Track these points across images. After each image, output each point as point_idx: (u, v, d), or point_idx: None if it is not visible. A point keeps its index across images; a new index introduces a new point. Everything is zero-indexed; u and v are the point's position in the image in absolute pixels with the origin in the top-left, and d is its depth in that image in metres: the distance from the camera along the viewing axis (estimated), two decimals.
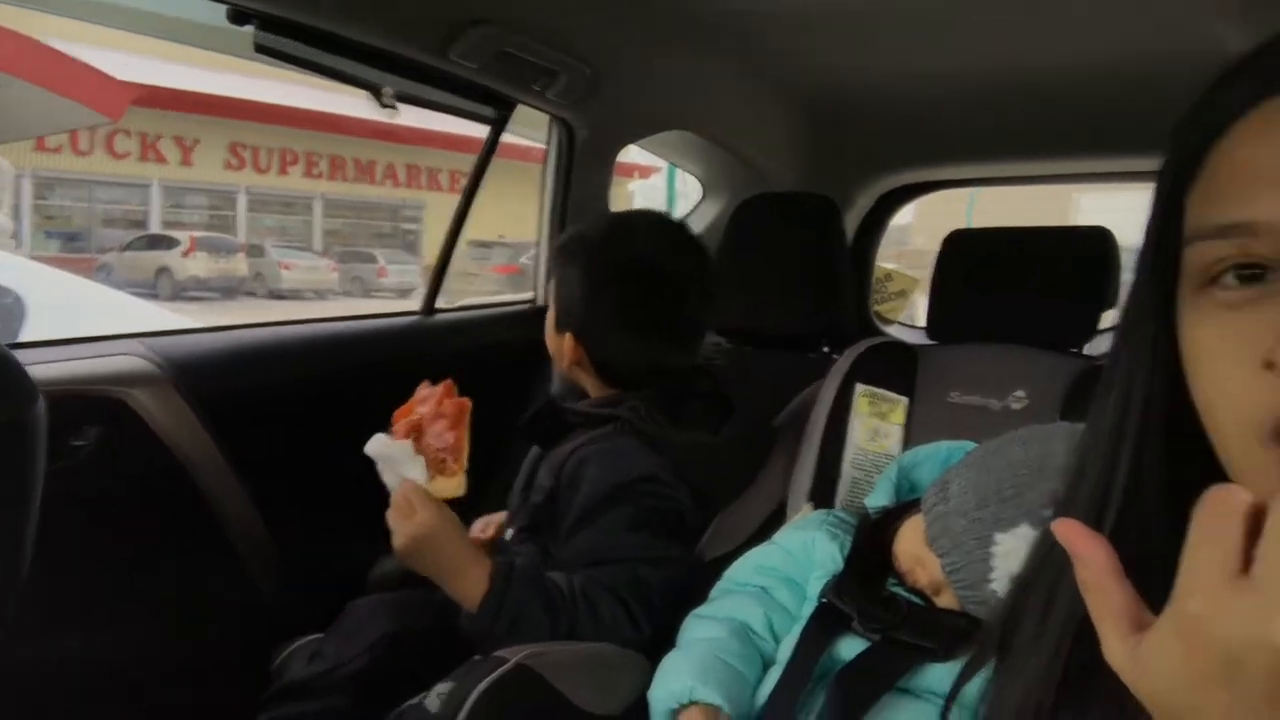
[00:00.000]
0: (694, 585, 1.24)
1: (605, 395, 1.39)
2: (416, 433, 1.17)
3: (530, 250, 2.16)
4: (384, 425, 1.20)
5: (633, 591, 1.21)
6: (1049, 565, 0.54)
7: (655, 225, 1.45)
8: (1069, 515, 0.50)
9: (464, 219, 1.83)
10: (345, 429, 1.20)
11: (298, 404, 1.55)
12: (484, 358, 1.35)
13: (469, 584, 1.16)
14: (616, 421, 1.31)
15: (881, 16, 1.50)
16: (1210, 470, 0.45)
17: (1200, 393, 0.46)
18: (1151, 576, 0.44)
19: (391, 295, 14.45)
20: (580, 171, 1.87)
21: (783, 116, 2.15)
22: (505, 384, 1.55)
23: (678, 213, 2.43)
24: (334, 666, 1.23)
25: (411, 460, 1.16)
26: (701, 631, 1.12)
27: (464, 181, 1.84)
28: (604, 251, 1.37)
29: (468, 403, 1.20)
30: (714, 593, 1.20)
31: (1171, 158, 0.48)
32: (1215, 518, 0.36)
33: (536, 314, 1.88)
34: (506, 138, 1.77)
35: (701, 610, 1.17)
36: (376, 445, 1.17)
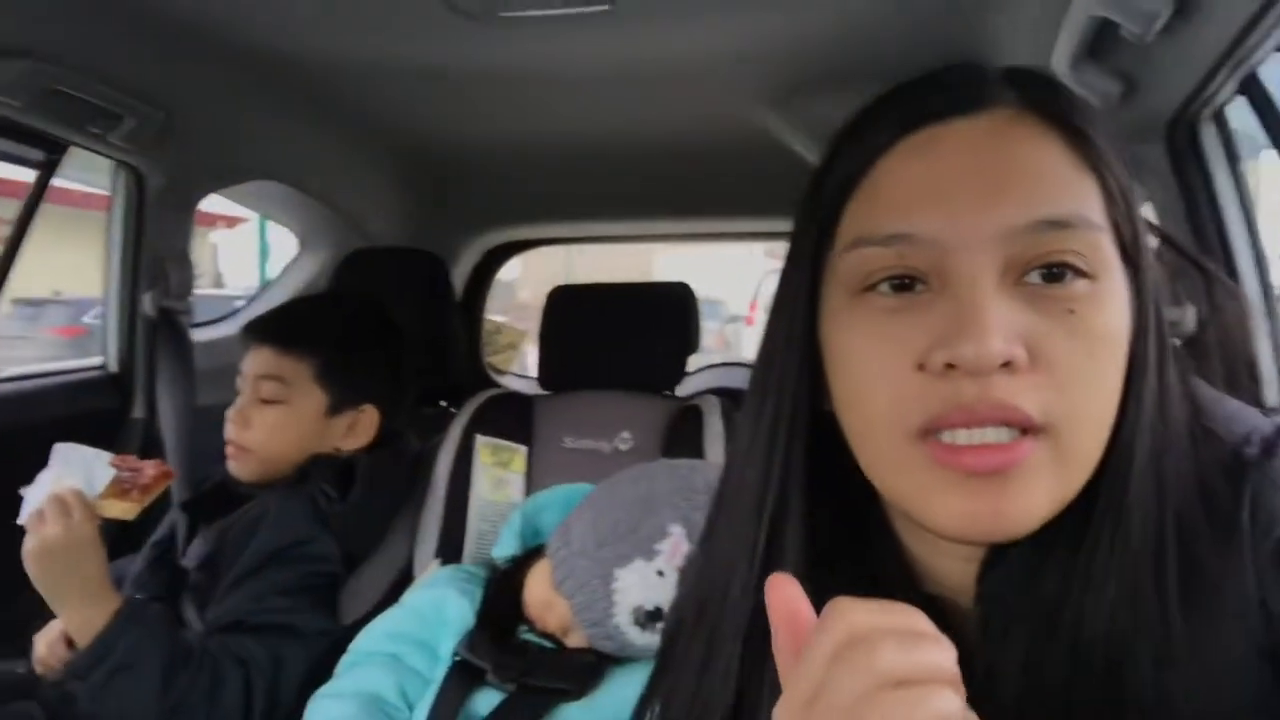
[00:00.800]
0: (322, 662, 1.16)
1: (296, 466, 1.31)
2: (123, 461, 1.15)
3: (94, 309, 1.87)
4: None
5: (264, 666, 1.13)
6: (702, 583, 0.56)
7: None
8: (733, 509, 0.54)
9: (6, 274, 1.54)
10: None
11: None
12: (42, 436, 1.14)
13: (89, 615, 1.07)
14: (297, 486, 1.28)
15: (477, 79, 1.56)
16: (846, 464, 0.49)
17: (849, 392, 0.48)
18: (818, 568, 0.50)
19: None
20: (155, 222, 1.67)
21: (382, 171, 2.12)
22: None
23: (271, 267, 2.28)
24: None
25: (101, 468, 1.13)
26: (328, 711, 1.05)
27: (4, 230, 1.55)
28: (379, 321, 1.42)
29: (173, 474, 1.20)
30: (340, 667, 1.12)
31: (830, 178, 0.51)
32: (787, 632, 0.39)
33: (110, 382, 1.64)
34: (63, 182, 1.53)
35: (327, 689, 1.09)
36: (67, 447, 1.13)
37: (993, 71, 0.50)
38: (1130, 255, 0.47)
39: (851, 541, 0.52)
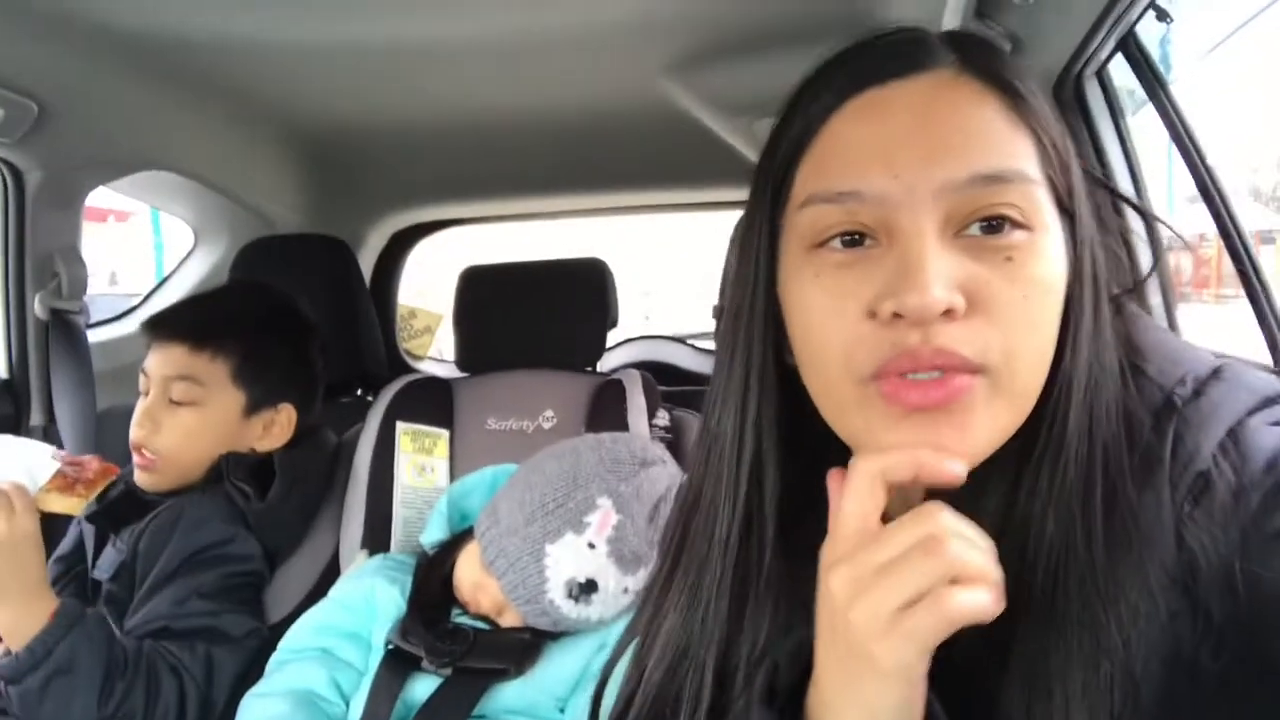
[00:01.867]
0: (251, 661, 1.13)
1: (208, 466, 1.26)
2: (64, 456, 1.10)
3: None
4: None
5: (196, 672, 1.10)
6: (685, 525, 0.60)
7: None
8: (713, 456, 0.57)
9: None
10: None
11: None
12: None
13: (27, 614, 1.01)
14: (211, 486, 1.24)
15: (368, 55, 1.51)
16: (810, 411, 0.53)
17: (806, 340, 0.52)
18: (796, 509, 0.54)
19: None
20: (39, 220, 1.58)
21: (279, 155, 2.05)
22: None
23: (165, 262, 2.19)
24: None
25: (44, 461, 1.08)
26: (261, 711, 1.03)
27: None
28: (292, 314, 1.38)
29: (117, 470, 1.15)
30: (271, 665, 1.10)
31: (782, 142, 0.54)
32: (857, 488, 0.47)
33: (2, 389, 1.56)
34: None
35: (258, 688, 1.07)
36: (4, 439, 1.09)
37: (934, 35, 0.53)
38: (1065, 207, 0.51)
39: (821, 481, 0.54)
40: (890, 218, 0.48)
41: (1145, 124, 1.16)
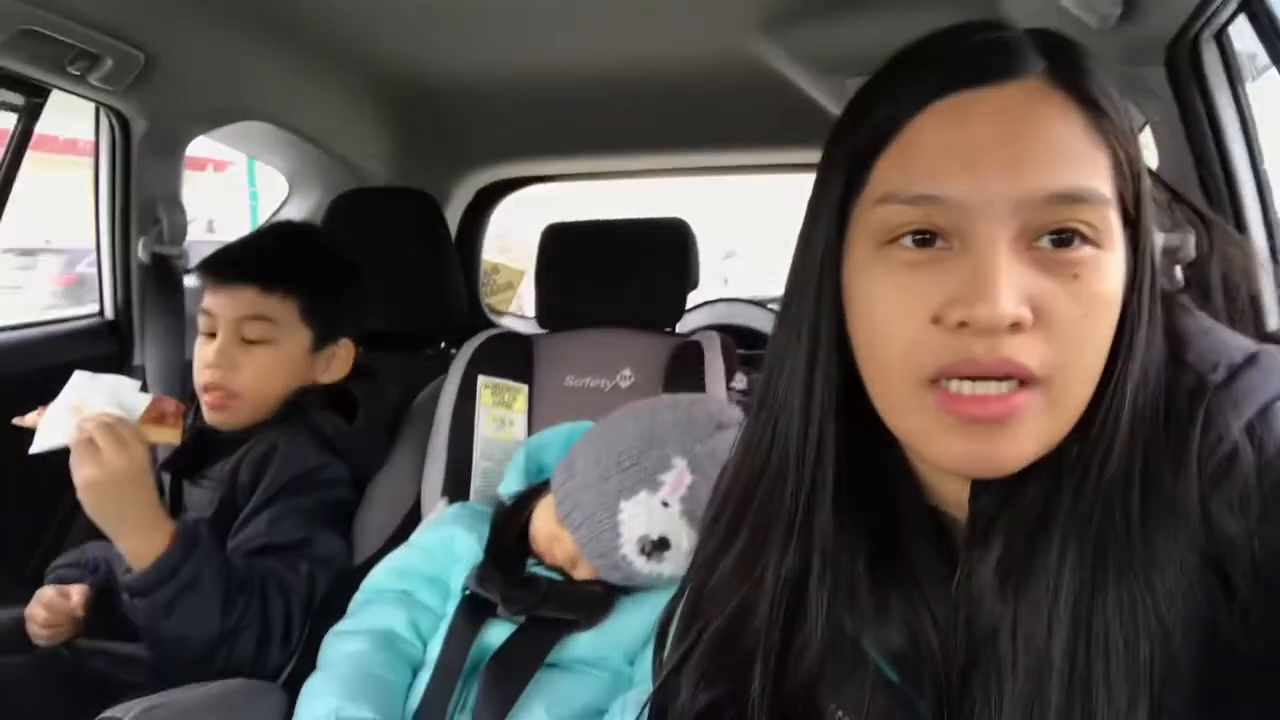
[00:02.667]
0: (334, 599, 1.18)
1: (280, 400, 1.31)
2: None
3: (88, 257, 1.86)
4: None
5: (300, 591, 1.17)
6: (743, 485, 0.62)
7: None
8: (782, 433, 0.58)
9: None
10: None
11: None
12: (44, 383, 1.14)
13: (148, 539, 1.08)
14: (294, 420, 1.29)
15: (467, 11, 1.52)
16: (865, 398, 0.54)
17: (868, 337, 0.53)
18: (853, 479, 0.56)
19: None
20: (144, 166, 1.65)
21: (371, 109, 2.09)
22: None
23: (261, 211, 2.26)
24: None
25: (134, 394, 1.12)
26: (343, 647, 1.07)
27: None
28: (338, 254, 1.41)
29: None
30: (353, 606, 1.15)
31: (861, 131, 0.54)
32: None
33: (107, 329, 1.63)
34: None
35: (341, 626, 1.12)
36: (88, 375, 1.12)
37: (1021, 36, 0.52)
38: (1130, 218, 0.51)
39: (877, 461, 0.57)
40: (965, 225, 0.49)
41: (1264, 93, 1.10)
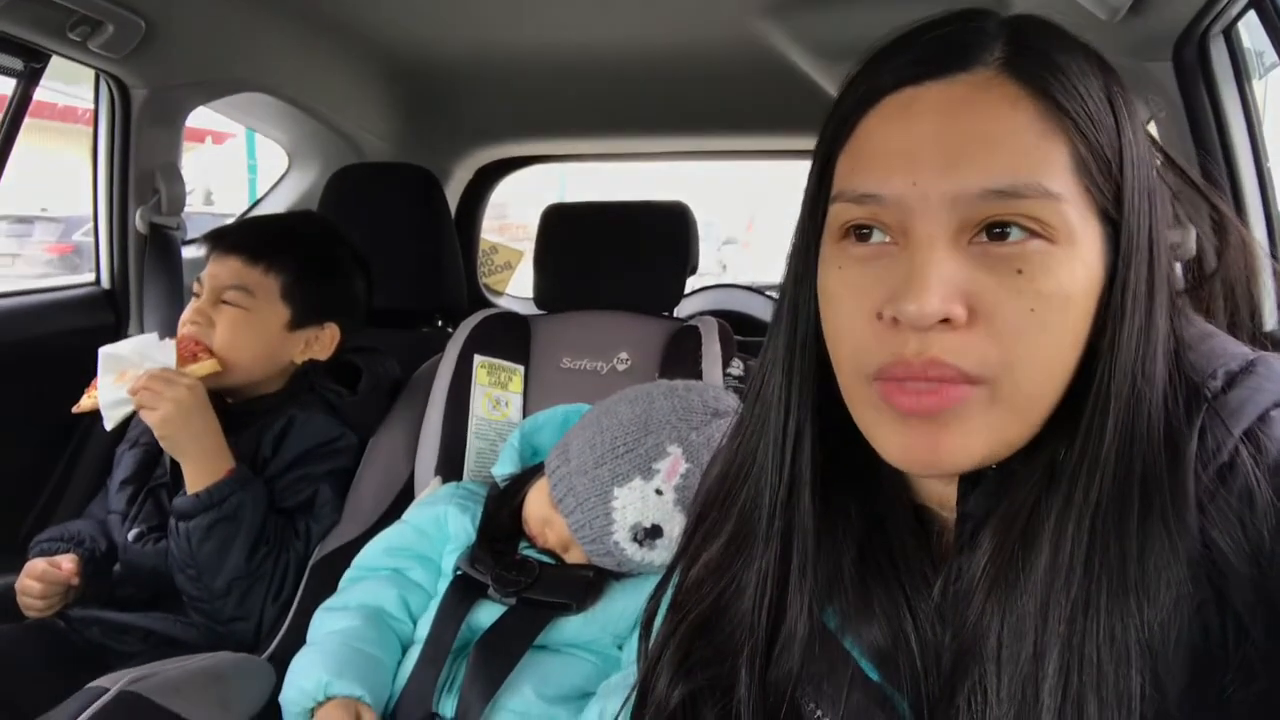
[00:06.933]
0: (325, 576, 1.19)
1: (287, 377, 1.37)
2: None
3: (84, 226, 1.85)
4: None
5: (299, 549, 1.27)
6: (730, 475, 0.62)
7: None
8: (761, 418, 0.59)
9: None
10: None
11: None
12: (38, 351, 1.14)
13: (208, 469, 1.19)
14: (304, 396, 1.35)
15: None
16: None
17: (829, 331, 0.54)
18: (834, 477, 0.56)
19: None
20: (142, 136, 1.64)
21: (373, 85, 2.07)
22: (66, 378, 1.32)
23: (260, 183, 2.24)
24: None
25: (161, 347, 1.20)
26: (333, 623, 1.08)
27: None
28: (343, 244, 1.44)
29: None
30: (343, 582, 1.15)
31: (827, 127, 0.54)
32: None
33: (104, 298, 1.63)
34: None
35: (331, 602, 1.12)
36: (113, 347, 1.19)
37: (990, 25, 0.51)
38: (1111, 215, 0.49)
39: (863, 457, 0.56)
40: (908, 222, 0.48)
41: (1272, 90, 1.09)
